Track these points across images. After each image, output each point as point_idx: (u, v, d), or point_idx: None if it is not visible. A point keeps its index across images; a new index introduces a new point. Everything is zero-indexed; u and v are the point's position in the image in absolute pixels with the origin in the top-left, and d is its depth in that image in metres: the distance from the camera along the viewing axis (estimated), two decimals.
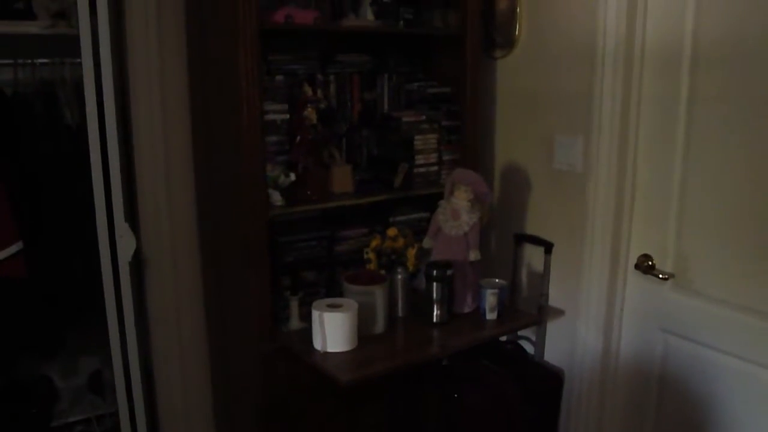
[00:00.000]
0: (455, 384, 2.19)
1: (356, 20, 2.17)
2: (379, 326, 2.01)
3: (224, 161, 2.06)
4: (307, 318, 1.97)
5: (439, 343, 2.02)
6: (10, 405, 2.28)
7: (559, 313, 2.29)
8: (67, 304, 2.20)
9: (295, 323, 2.06)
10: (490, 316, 2.11)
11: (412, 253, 2.18)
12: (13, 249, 2.05)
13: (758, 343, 1.77)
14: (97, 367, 2.50)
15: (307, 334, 1.94)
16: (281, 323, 2.07)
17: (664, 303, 2.02)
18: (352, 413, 2.18)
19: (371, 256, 2.16)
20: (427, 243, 2.18)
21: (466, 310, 2.16)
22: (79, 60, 1.91)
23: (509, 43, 2.35)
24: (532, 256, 2.39)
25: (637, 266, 2.06)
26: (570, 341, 2.24)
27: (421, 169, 2.30)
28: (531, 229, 2.38)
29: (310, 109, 2.06)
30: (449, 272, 2.04)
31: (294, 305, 2.07)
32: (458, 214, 2.10)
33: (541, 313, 2.29)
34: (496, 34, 2.39)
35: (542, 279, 2.29)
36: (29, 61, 2.16)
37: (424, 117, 2.30)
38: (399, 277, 2.13)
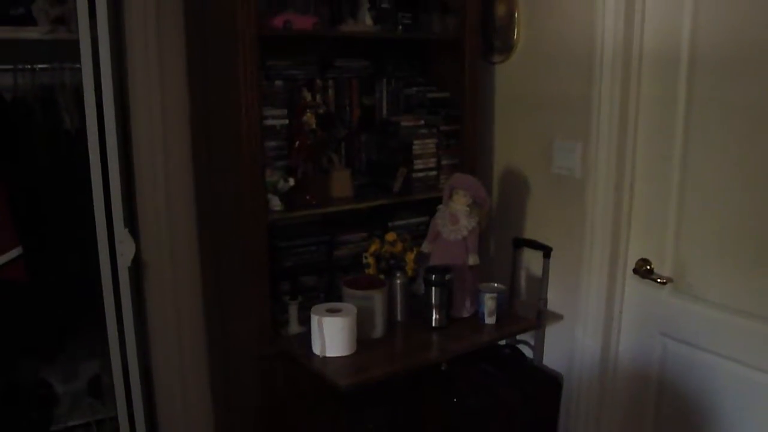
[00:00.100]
0: (454, 388, 2.19)
1: (355, 25, 2.17)
2: (378, 331, 2.02)
3: (223, 166, 2.06)
4: (306, 323, 1.97)
5: (438, 347, 2.02)
6: (9, 409, 2.28)
7: (557, 317, 2.29)
8: (67, 309, 2.20)
9: (294, 328, 2.07)
10: (489, 320, 2.12)
11: (410, 257, 2.19)
12: (13, 254, 2.06)
13: (756, 347, 1.77)
14: (96, 371, 2.50)
15: (306, 338, 1.94)
16: (280, 328, 2.07)
17: (662, 307, 2.02)
18: (351, 418, 2.17)
19: (370, 260, 2.16)
20: (425, 247, 2.18)
21: (465, 314, 2.16)
22: (78, 65, 1.92)
23: (508, 47, 2.36)
24: (531, 260, 2.39)
25: (635, 271, 2.06)
26: (569, 345, 2.24)
27: (420, 174, 2.30)
28: (530, 233, 2.38)
29: (309, 114, 2.07)
30: (448, 277, 2.05)
31: (293, 310, 2.07)
32: (457, 219, 2.10)
33: (539, 318, 2.29)
34: (495, 38, 2.40)
35: (541, 283, 2.29)
36: (29, 66, 2.16)
37: (422, 122, 2.31)
38: (398, 281, 2.13)
